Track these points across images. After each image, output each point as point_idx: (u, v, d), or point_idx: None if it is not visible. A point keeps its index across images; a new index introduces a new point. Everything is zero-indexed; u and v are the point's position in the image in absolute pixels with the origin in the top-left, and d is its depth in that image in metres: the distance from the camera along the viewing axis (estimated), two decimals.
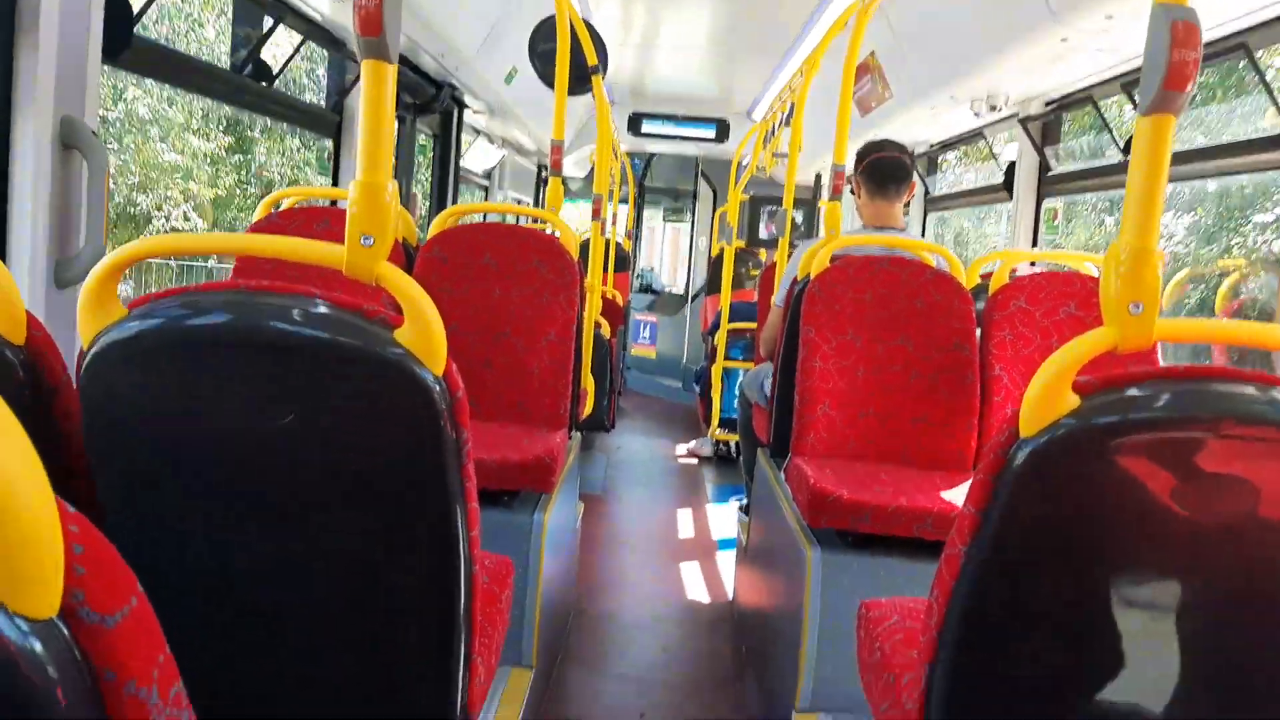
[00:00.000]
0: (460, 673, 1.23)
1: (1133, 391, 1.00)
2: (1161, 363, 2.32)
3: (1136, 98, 1.12)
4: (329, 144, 3.59)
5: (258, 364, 1.08)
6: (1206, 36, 2.49)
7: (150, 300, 1.09)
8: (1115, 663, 1.08)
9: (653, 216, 10.31)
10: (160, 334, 1.07)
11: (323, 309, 1.08)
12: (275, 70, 3.08)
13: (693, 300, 9.02)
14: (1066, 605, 1.07)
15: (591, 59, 3.44)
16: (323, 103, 3.64)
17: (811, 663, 2.08)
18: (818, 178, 6.67)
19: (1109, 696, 1.10)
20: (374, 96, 1.14)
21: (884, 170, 2.84)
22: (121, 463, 1.13)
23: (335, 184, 3.46)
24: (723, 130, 7.62)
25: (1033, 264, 3.38)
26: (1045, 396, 1.01)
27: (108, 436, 1.11)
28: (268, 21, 2.99)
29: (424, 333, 1.09)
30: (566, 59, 3.07)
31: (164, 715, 0.51)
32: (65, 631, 0.46)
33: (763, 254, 7.37)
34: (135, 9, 2.02)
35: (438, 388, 1.10)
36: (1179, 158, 2.81)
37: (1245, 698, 1.10)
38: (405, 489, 1.15)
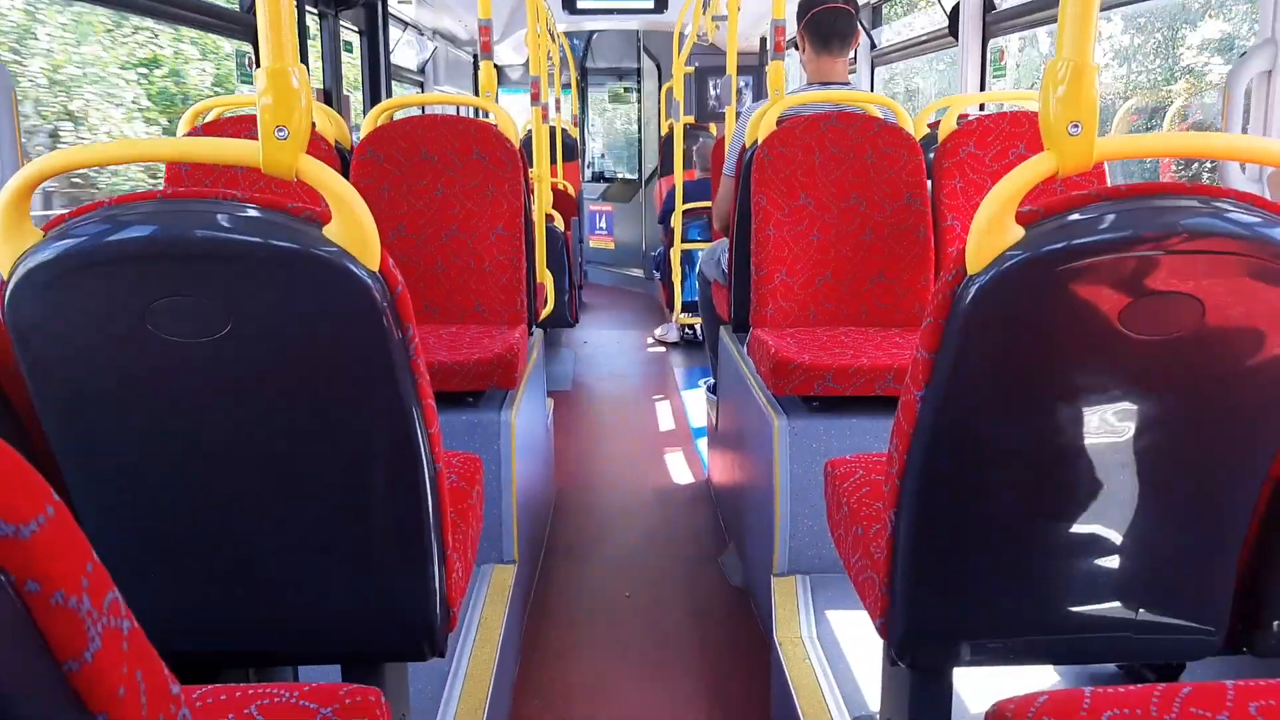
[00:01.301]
0: (435, 570, 1.24)
1: (1075, 216, 0.99)
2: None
3: None
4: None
5: (186, 275, 1.04)
6: None
7: (66, 219, 1.04)
8: (1073, 491, 1.11)
9: (599, 100, 10.01)
10: (81, 254, 1.02)
11: (249, 211, 1.04)
12: None
13: (647, 184, 8.86)
14: (1023, 438, 1.08)
15: None
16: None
17: (786, 528, 2.13)
18: (763, 41, 6.46)
19: (1070, 525, 1.12)
20: None
21: (827, 24, 2.75)
22: (61, 392, 1.10)
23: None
24: None
25: (981, 107, 3.32)
26: (989, 231, 1.00)
27: (40, 367, 1.08)
28: None
29: (354, 227, 1.05)
30: None
31: (100, 623, 0.50)
32: None
33: (713, 129, 7.21)
34: None
35: (375, 284, 1.06)
36: None
37: (1203, 514, 1.13)
38: (356, 390, 1.12)
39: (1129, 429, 1.07)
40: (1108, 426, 1.07)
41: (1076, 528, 1.13)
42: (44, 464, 1.13)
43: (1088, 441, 1.07)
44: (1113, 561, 1.14)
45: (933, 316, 1.06)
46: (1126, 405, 1.05)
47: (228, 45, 4.16)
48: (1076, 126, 1.00)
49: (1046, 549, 1.15)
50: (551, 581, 2.68)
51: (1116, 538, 1.13)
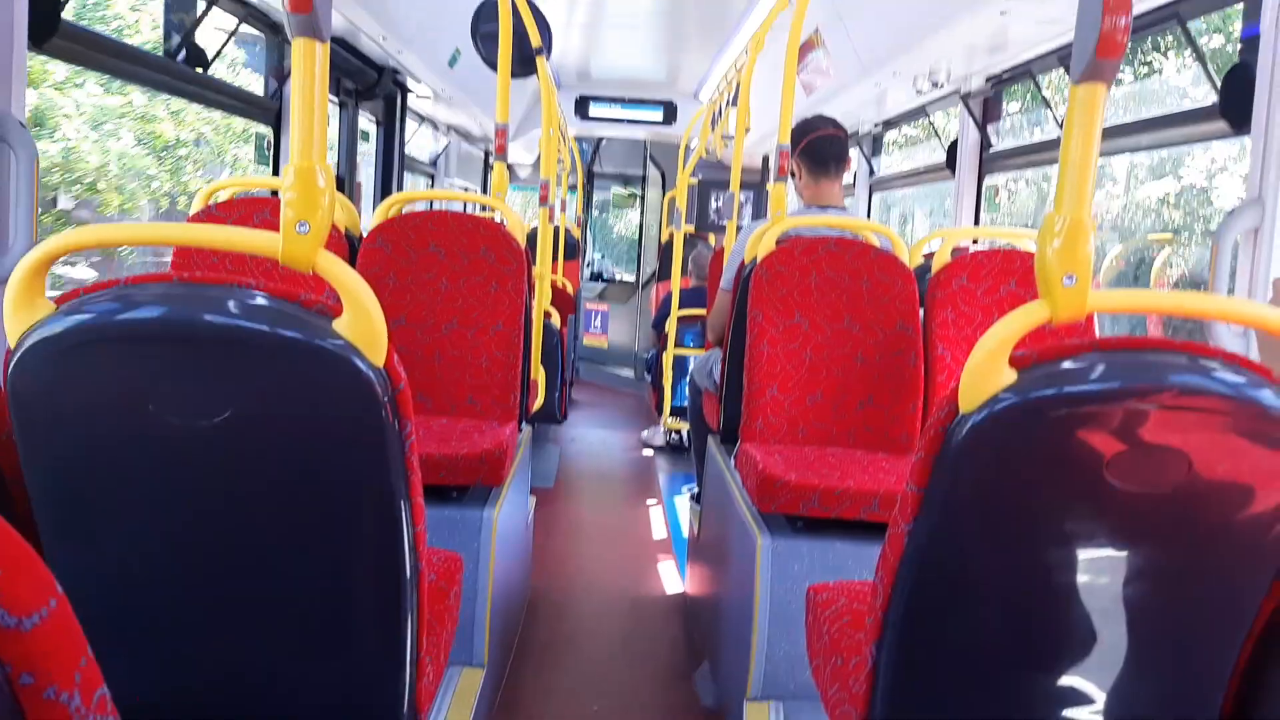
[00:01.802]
0: (408, 672, 1.21)
1: (1068, 364, 1.01)
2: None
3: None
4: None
5: (193, 358, 1.05)
6: (1140, 6, 2.54)
7: (79, 295, 1.06)
8: (1059, 635, 1.10)
9: (602, 204, 10.26)
10: (90, 330, 1.03)
11: (260, 300, 1.06)
12: (210, 55, 2.99)
13: (644, 287, 9.00)
14: (1009, 579, 1.08)
15: (535, 40, 3.39)
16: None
17: (763, 651, 2.09)
18: (765, 160, 6.68)
19: (1053, 669, 1.11)
20: (306, 76, 1.11)
21: (822, 149, 2.86)
22: (54, 465, 1.09)
23: (276, 174, 3.38)
24: (670, 112, 7.59)
25: (975, 241, 3.42)
26: (983, 372, 1.02)
27: (38, 438, 1.08)
28: (201, 5, 2.90)
29: (364, 322, 1.07)
30: (509, 40, 3.03)
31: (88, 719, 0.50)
32: None
33: (712, 239, 7.37)
34: None
35: (379, 379, 1.07)
36: (1114, 131, 2.86)
37: (1186, 664, 1.12)
38: (348, 484, 1.12)
39: (1114, 576, 1.07)
40: (1093, 572, 1.07)
41: (1057, 675, 1.11)
42: (24, 531, 1.11)
43: (1073, 586, 1.07)
44: (1094, 709, 1.12)
45: (924, 451, 1.07)
46: (1112, 553, 1.06)
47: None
48: (1071, 278, 1.04)
49: (1028, 692, 1.13)
50: (520, 686, 2.61)
51: (1099, 685, 1.11)
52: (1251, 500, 1.02)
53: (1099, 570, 1.06)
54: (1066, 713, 1.12)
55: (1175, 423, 0.99)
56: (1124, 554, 1.06)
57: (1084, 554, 1.06)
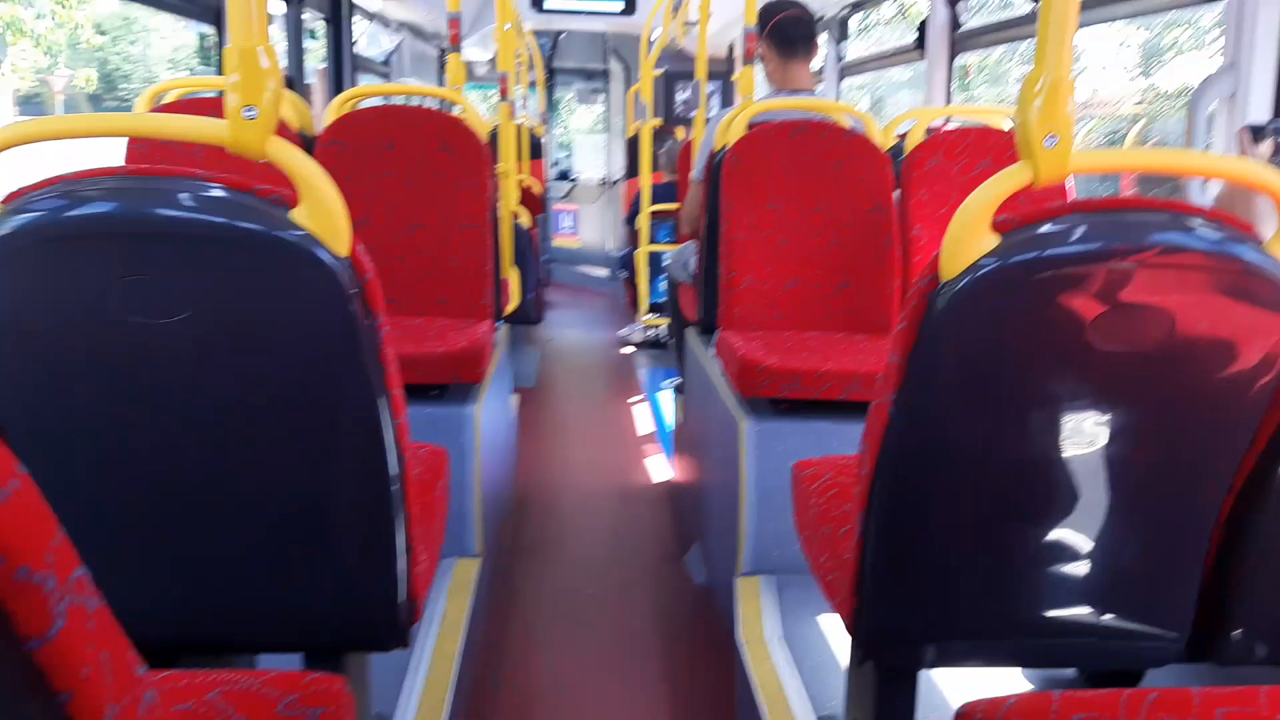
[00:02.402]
0: (400, 562, 1.22)
1: (1050, 226, 1.00)
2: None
3: None
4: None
5: (147, 255, 1.01)
6: None
7: (24, 193, 1.00)
8: (1043, 496, 1.12)
9: (566, 100, 9.98)
10: (38, 229, 0.98)
11: (214, 191, 1.01)
12: None
13: (613, 185, 8.85)
14: (993, 444, 1.09)
15: None
16: None
17: (751, 528, 2.13)
18: (731, 47, 6.49)
19: (1038, 529, 1.14)
20: None
21: (789, 29, 2.78)
22: (13, 370, 1.06)
23: (222, 74, 3.22)
24: (630, 1, 7.32)
25: (947, 120, 3.37)
26: (964, 237, 1.01)
27: None
28: None
29: (323, 211, 1.03)
30: None
31: (65, 600, 0.49)
32: None
33: (680, 133, 7.22)
34: None
35: (344, 270, 1.04)
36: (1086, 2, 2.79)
37: (1167, 523, 1.15)
38: (322, 379, 1.10)
39: (1096, 437, 1.08)
40: (1076, 434, 1.08)
41: (1043, 533, 1.14)
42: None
43: (1056, 449, 1.09)
44: (1078, 567, 1.15)
45: (905, 321, 1.06)
46: (1094, 414, 1.07)
47: None
48: (1053, 139, 1.02)
49: (1013, 553, 1.16)
50: (514, 579, 2.66)
51: (1082, 543, 1.14)
52: (1232, 357, 1.03)
53: (1082, 431, 1.08)
54: (1052, 570, 1.16)
55: (1157, 281, 0.99)
56: (1106, 414, 1.07)
57: (1067, 415, 1.07)
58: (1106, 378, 1.04)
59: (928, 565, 1.17)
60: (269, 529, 1.17)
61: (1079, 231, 1.00)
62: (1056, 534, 1.14)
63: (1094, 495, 1.12)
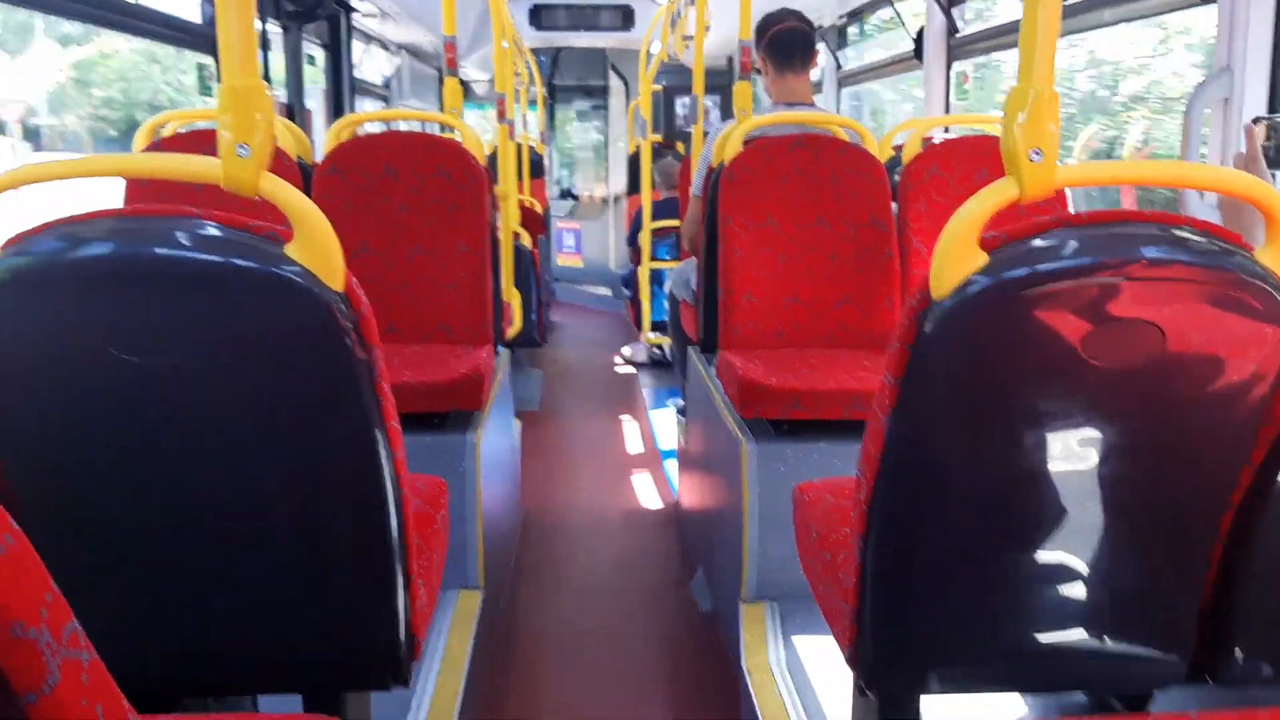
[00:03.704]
0: (400, 596, 1.21)
1: (1039, 242, 0.99)
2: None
3: None
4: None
5: (145, 294, 1.02)
6: None
7: (23, 237, 1.01)
8: (1037, 517, 1.10)
9: (566, 118, 10.00)
10: (37, 271, 0.99)
11: (209, 230, 1.02)
12: None
13: (615, 203, 8.86)
14: (986, 463, 1.08)
15: None
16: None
17: (755, 553, 2.11)
18: (730, 60, 6.50)
19: (1034, 551, 1.12)
20: None
21: (786, 41, 2.76)
22: (11, 412, 1.06)
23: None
24: (628, 16, 7.35)
25: (945, 130, 3.36)
26: (952, 256, 1.00)
27: None
28: None
29: (316, 246, 1.03)
30: None
31: (59, 655, 0.49)
32: None
33: (681, 147, 7.23)
34: None
35: (338, 304, 1.04)
36: (1082, 5, 2.78)
37: (1165, 542, 1.13)
38: (318, 414, 1.10)
39: (1092, 455, 1.07)
40: (1071, 452, 1.07)
41: (1041, 554, 1.12)
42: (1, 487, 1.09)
43: (1051, 467, 1.07)
44: (1078, 589, 1.14)
45: (898, 341, 1.05)
46: (1089, 431, 1.06)
47: None
48: (1038, 153, 1.01)
49: (1012, 576, 1.14)
50: (518, 607, 2.64)
51: (1081, 565, 1.13)
52: (1225, 370, 1.01)
53: (1076, 449, 1.06)
54: (1048, 595, 1.14)
55: (1147, 295, 0.97)
56: (1100, 432, 1.05)
57: (1060, 433, 1.05)
58: (1100, 394, 1.03)
59: (927, 590, 1.15)
60: (265, 567, 1.16)
61: (1068, 246, 0.98)
62: (1054, 555, 1.12)
63: (1091, 514, 1.10)
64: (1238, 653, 1.14)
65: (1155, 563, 1.13)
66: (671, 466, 3.89)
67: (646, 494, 3.70)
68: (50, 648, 0.48)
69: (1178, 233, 0.99)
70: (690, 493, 3.15)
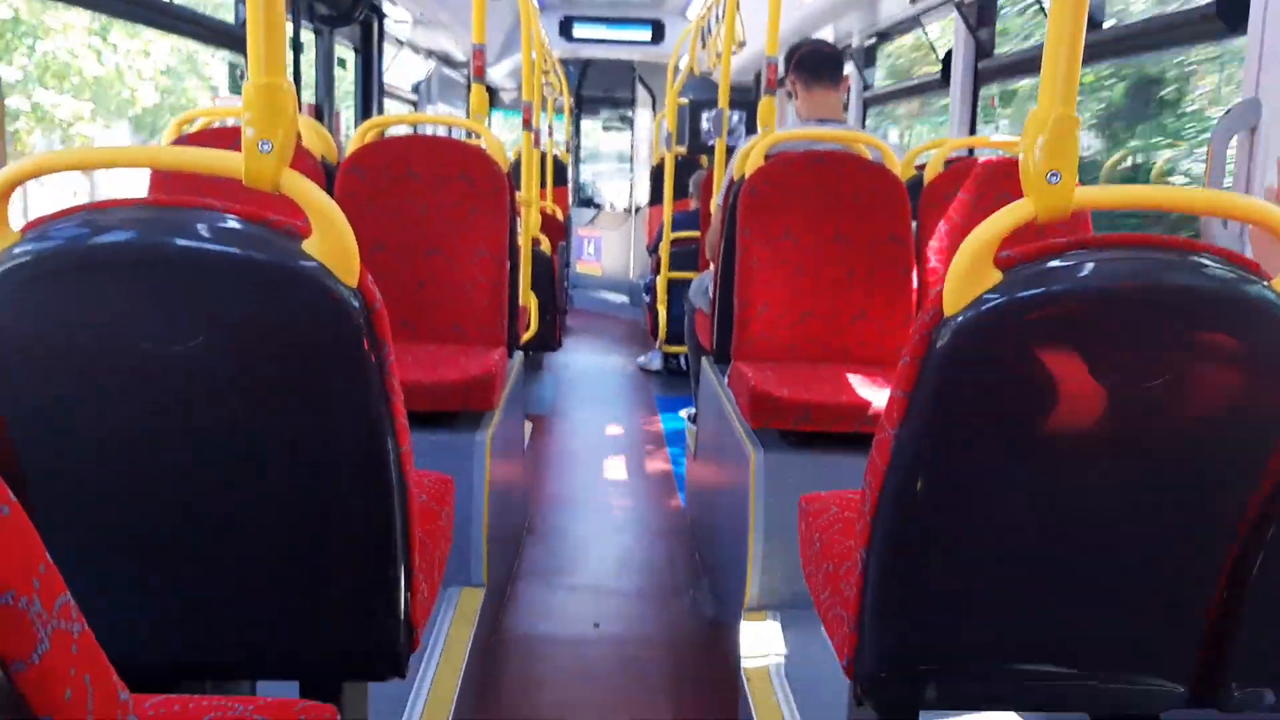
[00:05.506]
0: (400, 590, 1.21)
1: (1054, 263, 0.99)
2: None
3: None
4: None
5: (163, 283, 1.04)
6: None
7: (45, 221, 1.03)
8: (1045, 535, 1.10)
9: (591, 128, 10.06)
10: (58, 256, 1.01)
11: (229, 222, 1.04)
12: None
13: (637, 213, 8.89)
14: (992, 481, 1.08)
15: None
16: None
17: (759, 563, 2.11)
18: (757, 76, 6.51)
19: (1037, 571, 1.11)
20: None
21: (816, 58, 2.78)
22: (27, 392, 1.08)
23: None
24: (658, 30, 7.40)
25: (970, 152, 3.36)
26: (967, 273, 1.00)
27: (9, 366, 1.06)
28: None
29: (334, 242, 1.04)
30: None
31: (49, 626, 0.50)
32: None
33: (705, 161, 7.25)
34: None
35: (353, 301, 1.05)
36: (1106, 36, 2.77)
37: (1171, 568, 1.12)
38: (327, 406, 1.11)
39: (1099, 474, 1.06)
40: (1078, 474, 1.06)
41: (1044, 573, 1.12)
42: (6, 463, 1.11)
43: (1058, 488, 1.07)
44: (1081, 610, 1.13)
45: (909, 355, 1.05)
46: (1097, 453, 1.05)
47: None
48: (1056, 175, 1.01)
49: (1014, 594, 1.13)
50: (520, 607, 2.64)
51: (1085, 586, 1.12)
52: (1238, 396, 1.01)
53: (1084, 469, 1.06)
54: (1051, 614, 1.13)
55: (1161, 319, 0.97)
56: (1109, 452, 1.05)
57: (1069, 454, 1.05)
58: (1109, 416, 1.02)
59: (928, 604, 1.15)
60: (267, 553, 1.17)
61: (1083, 269, 0.98)
62: (1058, 574, 1.11)
63: (1096, 536, 1.09)
64: (1240, 680, 1.13)
65: (1159, 588, 1.12)
66: (681, 474, 3.89)
67: (655, 500, 3.70)
68: (40, 618, 0.49)
69: (1194, 259, 0.99)
70: (699, 500, 3.14)
